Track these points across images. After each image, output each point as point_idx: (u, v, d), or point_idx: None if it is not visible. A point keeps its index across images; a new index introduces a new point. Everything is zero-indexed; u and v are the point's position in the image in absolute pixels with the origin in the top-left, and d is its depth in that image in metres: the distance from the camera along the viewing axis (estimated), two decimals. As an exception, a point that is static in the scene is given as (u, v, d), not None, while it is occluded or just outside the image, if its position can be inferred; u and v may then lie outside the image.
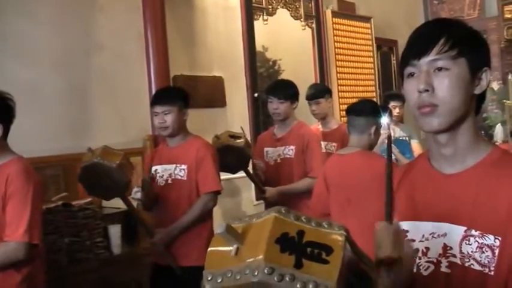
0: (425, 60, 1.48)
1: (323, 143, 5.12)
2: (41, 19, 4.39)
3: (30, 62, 4.28)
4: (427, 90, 1.46)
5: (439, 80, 1.47)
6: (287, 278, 0.98)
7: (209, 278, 1.04)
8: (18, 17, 4.24)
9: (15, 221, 2.76)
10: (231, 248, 1.04)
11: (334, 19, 7.40)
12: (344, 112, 7.22)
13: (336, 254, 1.01)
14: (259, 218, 1.08)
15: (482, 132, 8.66)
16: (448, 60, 1.47)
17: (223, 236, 1.04)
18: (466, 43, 1.49)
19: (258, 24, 6.36)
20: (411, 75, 1.52)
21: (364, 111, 3.63)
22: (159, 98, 3.80)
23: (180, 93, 3.87)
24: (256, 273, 0.98)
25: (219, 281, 1.02)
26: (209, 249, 1.08)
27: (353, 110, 3.72)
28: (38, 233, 2.82)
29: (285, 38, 6.95)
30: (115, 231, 4.12)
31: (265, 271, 0.98)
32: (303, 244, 1.02)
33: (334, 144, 5.25)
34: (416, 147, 5.66)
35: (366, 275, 1.08)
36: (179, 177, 3.76)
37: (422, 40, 1.51)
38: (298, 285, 0.98)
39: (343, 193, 3.59)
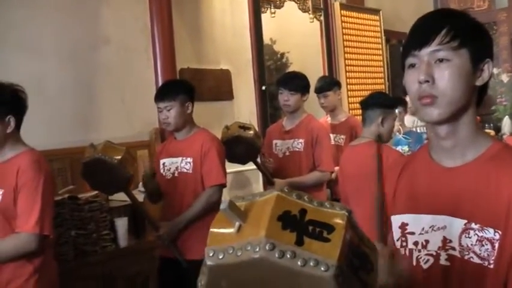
0: (426, 51, 1.47)
1: (332, 135, 5.12)
2: (47, 12, 4.38)
3: (35, 55, 4.28)
4: (427, 81, 1.45)
5: (439, 71, 1.45)
6: (288, 255, 0.96)
7: (211, 254, 1.03)
8: (23, 10, 4.23)
9: (26, 212, 2.76)
10: (232, 227, 1.03)
11: (342, 11, 7.35)
12: (353, 104, 7.27)
13: (338, 233, 1.00)
14: (262, 196, 1.07)
15: (491, 124, 8.61)
16: (449, 51, 1.45)
17: (226, 212, 1.03)
18: (468, 34, 1.47)
19: (265, 17, 6.34)
20: (412, 66, 1.51)
21: (371, 104, 3.78)
22: (160, 94, 3.78)
23: (182, 87, 3.83)
24: (257, 250, 0.97)
25: (220, 257, 1.01)
26: (211, 229, 1.07)
27: (361, 104, 3.90)
28: (49, 224, 2.82)
29: (293, 31, 6.94)
30: (122, 223, 4.11)
31: (267, 247, 0.96)
32: (304, 222, 1.01)
33: (342, 136, 5.26)
34: None
35: (367, 256, 1.06)
36: (185, 171, 3.74)
37: (424, 31, 1.50)
38: (299, 262, 0.96)
39: (353, 183, 3.71)
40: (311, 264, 0.96)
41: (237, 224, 1.03)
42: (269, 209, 1.01)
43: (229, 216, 1.03)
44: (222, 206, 1.02)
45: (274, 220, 1.00)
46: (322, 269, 0.96)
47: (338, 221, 1.02)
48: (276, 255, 0.96)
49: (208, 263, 1.03)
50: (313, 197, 1.06)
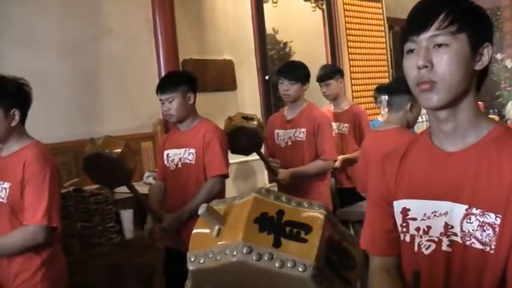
0: (424, 36, 1.46)
1: (335, 124, 5.11)
2: (49, 5, 4.39)
3: (38, 48, 4.29)
4: (426, 67, 1.45)
5: (438, 56, 1.45)
6: (265, 257, 0.99)
7: (192, 259, 1.06)
8: (25, 3, 4.24)
9: (33, 205, 2.78)
10: (213, 229, 1.06)
11: (344, 0, 7.33)
12: (356, 93, 7.26)
13: (315, 232, 1.01)
14: (241, 199, 1.09)
15: (495, 110, 8.57)
16: (447, 35, 1.44)
17: (205, 217, 1.06)
18: (467, 18, 1.46)
19: (267, 7, 6.33)
20: (411, 51, 1.50)
21: (398, 89, 3.70)
22: (161, 86, 3.78)
23: (182, 78, 3.83)
24: (235, 253, 0.99)
25: (201, 261, 1.04)
26: (193, 231, 1.11)
27: (388, 89, 3.86)
28: (56, 216, 2.83)
29: (296, 20, 6.92)
30: (127, 215, 4.13)
31: (244, 251, 0.99)
32: (282, 223, 1.03)
33: (346, 124, 5.25)
34: None
35: (349, 253, 1.07)
36: (188, 161, 3.75)
37: (422, 16, 1.49)
38: (276, 264, 0.98)
39: None
40: (288, 265, 0.98)
41: (217, 227, 1.05)
42: (246, 212, 1.03)
43: (208, 220, 1.06)
44: (200, 211, 1.05)
45: (251, 223, 1.02)
46: (300, 269, 0.98)
47: (316, 220, 1.03)
48: (254, 258, 0.98)
49: (190, 268, 1.06)
50: (292, 197, 1.07)
